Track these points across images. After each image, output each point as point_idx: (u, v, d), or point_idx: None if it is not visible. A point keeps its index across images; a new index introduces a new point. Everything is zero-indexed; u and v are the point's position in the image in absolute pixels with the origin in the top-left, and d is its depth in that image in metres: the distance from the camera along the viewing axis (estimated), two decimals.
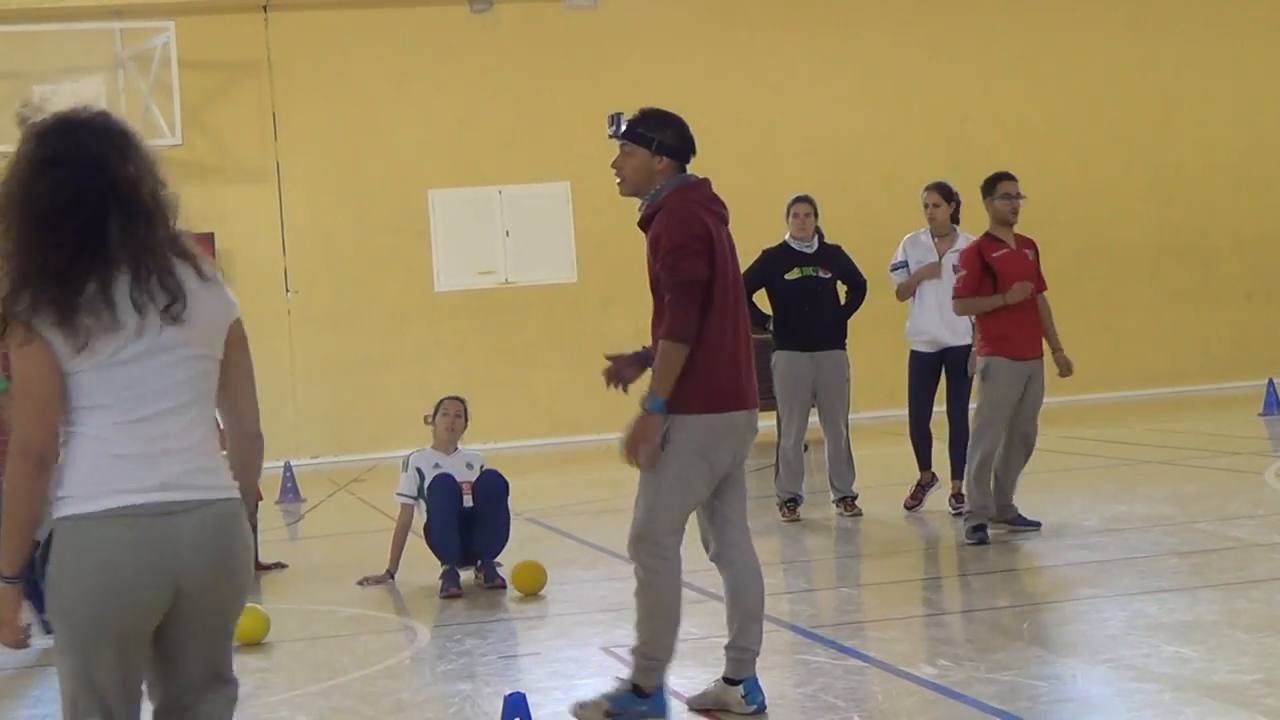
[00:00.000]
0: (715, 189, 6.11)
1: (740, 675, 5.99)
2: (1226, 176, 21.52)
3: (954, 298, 10.04)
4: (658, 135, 6.01)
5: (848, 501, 11.40)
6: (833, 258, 11.32)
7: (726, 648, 6.05)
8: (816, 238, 11.34)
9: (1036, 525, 10.03)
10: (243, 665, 7.76)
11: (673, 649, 5.97)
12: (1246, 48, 21.88)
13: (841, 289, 11.39)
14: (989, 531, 9.77)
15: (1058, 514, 10.85)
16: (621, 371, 6.09)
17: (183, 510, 3.59)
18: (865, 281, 11.39)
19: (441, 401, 9.87)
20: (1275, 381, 17.27)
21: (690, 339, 5.76)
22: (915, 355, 11.35)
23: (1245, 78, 21.82)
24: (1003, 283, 9.78)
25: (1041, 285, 9.99)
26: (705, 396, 5.80)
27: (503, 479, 9.47)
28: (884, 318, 19.16)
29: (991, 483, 9.80)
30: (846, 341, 11.32)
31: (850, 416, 11.53)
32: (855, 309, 11.40)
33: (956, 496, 10.99)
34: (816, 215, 11.30)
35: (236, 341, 3.85)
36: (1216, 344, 19.60)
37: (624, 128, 6.07)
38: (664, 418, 5.78)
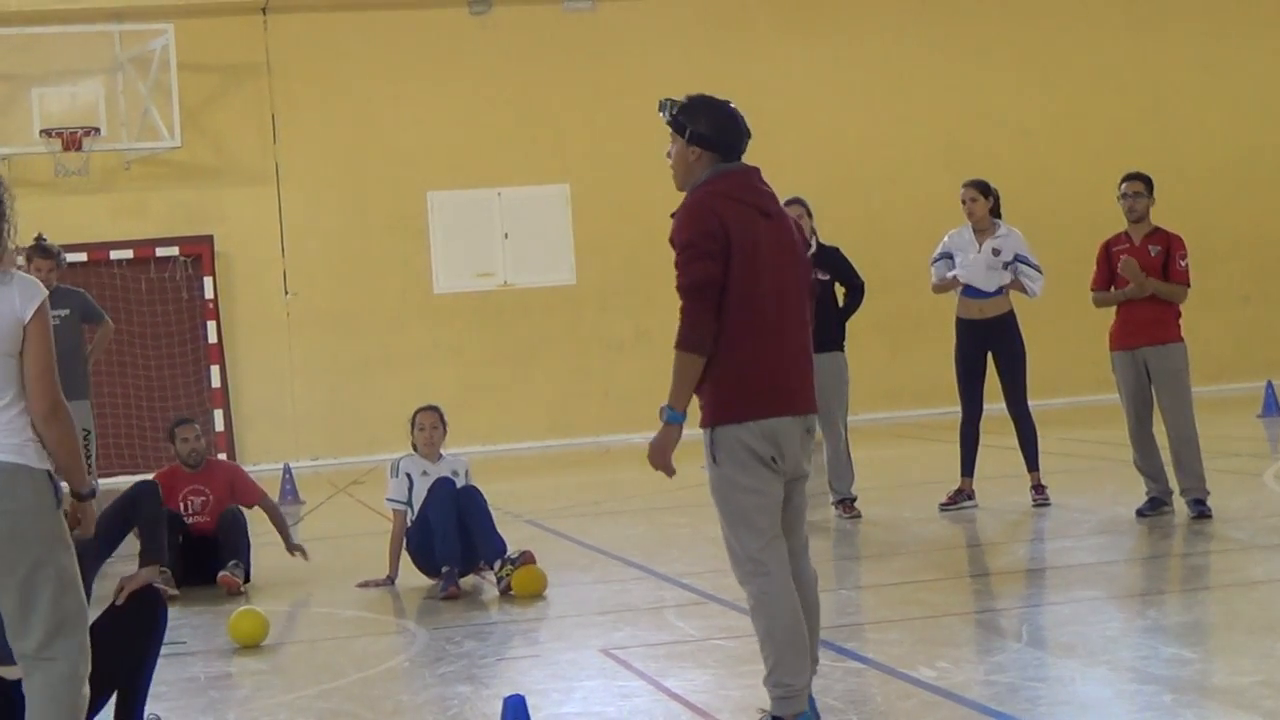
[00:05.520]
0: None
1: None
2: (1225, 178, 21.53)
3: (1092, 292, 10.74)
4: (691, 124, 5.63)
5: (846, 503, 11.40)
6: (830, 260, 11.29)
7: None
8: (814, 239, 11.32)
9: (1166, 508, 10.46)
10: (242, 667, 7.81)
11: (804, 668, 5.48)
12: (1245, 49, 21.87)
13: (840, 291, 11.38)
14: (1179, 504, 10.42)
15: (1057, 515, 10.86)
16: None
17: None
18: (863, 283, 11.39)
19: (415, 415, 9.82)
20: (1274, 383, 17.28)
21: (703, 348, 5.45)
22: (960, 338, 11.39)
23: (1244, 79, 21.82)
24: (1116, 276, 10.49)
25: (1176, 278, 10.44)
26: (738, 404, 5.48)
27: (480, 494, 9.52)
28: (882, 320, 19.25)
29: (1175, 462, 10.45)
30: (845, 344, 11.31)
31: (848, 418, 11.53)
32: (853, 311, 11.39)
33: (1035, 488, 11.27)
34: (811, 217, 11.27)
35: (30, 337, 4.74)
36: (1215, 346, 19.56)
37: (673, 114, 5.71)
38: (680, 429, 5.48)
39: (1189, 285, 10.48)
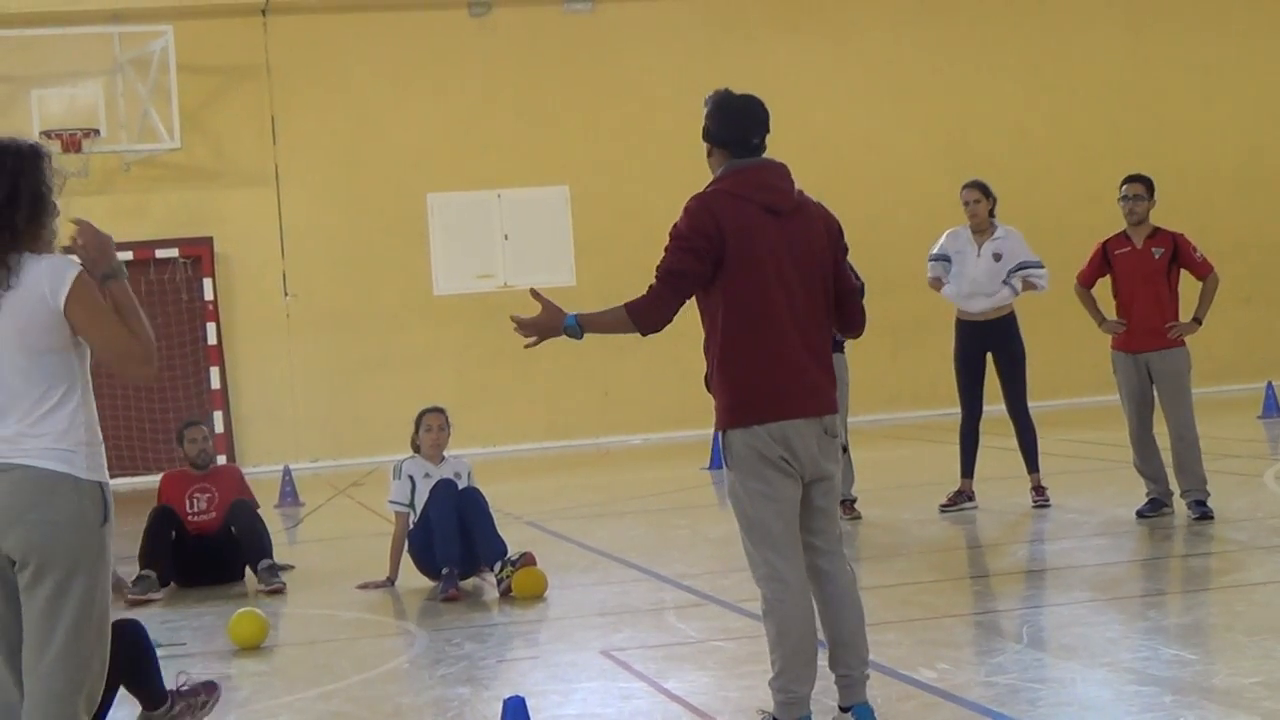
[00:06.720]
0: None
1: (847, 702, 5.63)
2: (1225, 179, 21.53)
3: (1077, 280, 10.75)
4: (705, 122, 5.63)
5: (846, 505, 11.39)
6: None
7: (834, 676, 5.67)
8: None
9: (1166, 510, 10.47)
10: (242, 669, 7.82)
11: (809, 677, 5.47)
12: (1246, 51, 21.88)
13: None
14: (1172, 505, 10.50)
15: (1057, 517, 10.86)
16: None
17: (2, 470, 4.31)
18: (863, 284, 11.34)
19: (422, 416, 9.81)
20: (1275, 384, 17.27)
21: (647, 325, 5.45)
22: (960, 340, 11.41)
23: (1245, 81, 21.82)
24: (1117, 279, 10.56)
25: (1199, 271, 10.51)
26: (745, 408, 5.43)
27: (482, 495, 9.53)
28: (882, 322, 19.19)
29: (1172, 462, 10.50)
30: (845, 345, 11.30)
31: (849, 420, 11.52)
32: None
33: (1036, 490, 11.30)
34: None
35: (77, 323, 4.43)
36: (1216, 347, 19.52)
37: None
38: (560, 333, 5.52)
39: (1214, 270, 10.57)
